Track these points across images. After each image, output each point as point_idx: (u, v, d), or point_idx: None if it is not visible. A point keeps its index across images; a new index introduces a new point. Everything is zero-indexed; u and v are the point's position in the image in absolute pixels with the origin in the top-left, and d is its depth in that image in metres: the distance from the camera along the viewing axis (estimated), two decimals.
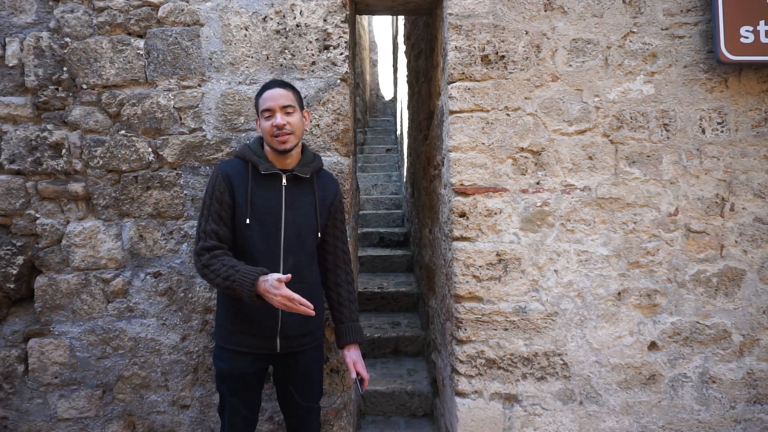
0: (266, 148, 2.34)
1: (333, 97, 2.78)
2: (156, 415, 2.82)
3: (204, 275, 2.19)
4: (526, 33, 2.68)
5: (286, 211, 2.29)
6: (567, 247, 2.69)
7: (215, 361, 2.36)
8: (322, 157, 2.77)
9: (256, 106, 2.34)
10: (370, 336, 4.40)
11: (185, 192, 2.81)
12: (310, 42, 2.79)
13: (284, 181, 2.31)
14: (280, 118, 2.24)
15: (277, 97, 2.26)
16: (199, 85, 2.81)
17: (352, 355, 2.44)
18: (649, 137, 2.68)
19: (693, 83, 2.68)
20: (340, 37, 2.79)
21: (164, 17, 2.81)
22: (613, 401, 2.69)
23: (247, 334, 2.29)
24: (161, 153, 2.81)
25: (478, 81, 2.68)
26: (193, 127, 2.81)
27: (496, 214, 2.68)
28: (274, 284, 2.08)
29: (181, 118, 2.81)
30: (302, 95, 2.77)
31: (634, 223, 2.69)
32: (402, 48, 6.82)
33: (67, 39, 2.81)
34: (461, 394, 2.70)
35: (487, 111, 2.68)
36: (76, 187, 2.82)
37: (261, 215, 2.27)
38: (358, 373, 2.41)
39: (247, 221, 2.25)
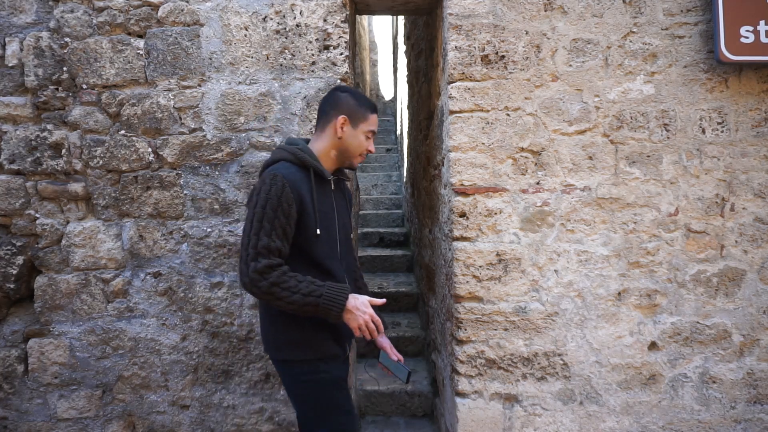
0: (320, 152, 2.17)
1: None
2: (156, 415, 2.83)
3: (271, 293, 1.93)
4: (526, 33, 2.68)
5: (337, 216, 2.19)
6: (567, 247, 2.69)
7: (322, 375, 2.08)
8: None
9: (356, 114, 2.16)
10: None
11: (185, 192, 2.82)
12: (310, 42, 2.79)
13: (332, 185, 2.21)
14: (372, 146, 2.22)
15: (377, 123, 2.23)
16: (199, 85, 2.81)
17: (387, 342, 2.36)
18: (649, 137, 2.68)
19: (693, 83, 2.68)
20: (340, 37, 2.80)
21: (164, 17, 2.81)
22: (614, 401, 2.69)
23: (334, 340, 2.13)
24: (161, 153, 2.82)
25: (478, 81, 2.68)
26: (193, 127, 2.81)
27: (496, 214, 2.68)
28: (366, 303, 2.02)
29: (181, 118, 2.81)
30: (303, 95, 2.78)
31: (635, 223, 2.69)
32: (402, 48, 6.82)
33: (67, 39, 2.81)
34: (461, 394, 2.70)
35: (487, 111, 2.69)
36: (76, 187, 2.82)
37: (326, 224, 2.12)
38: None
39: (318, 232, 2.07)
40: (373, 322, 2.02)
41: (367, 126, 2.18)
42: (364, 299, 2.04)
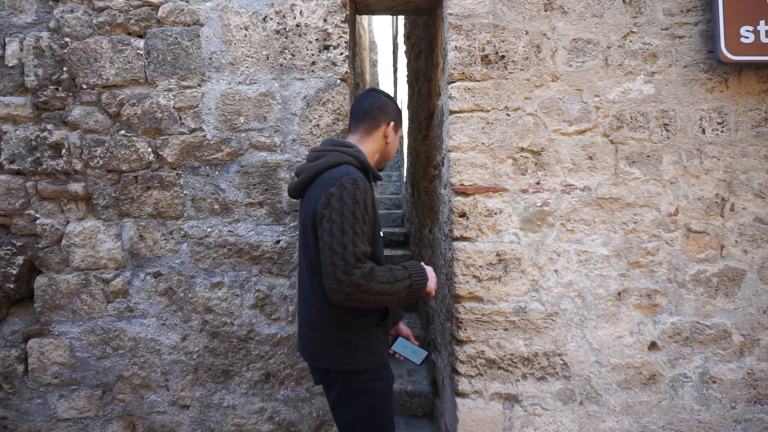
0: (368, 155, 2.22)
1: (333, 97, 2.79)
2: (156, 415, 2.83)
3: (377, 293, 1.90)
4: (526, 33, 2.69)
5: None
6: (567, 247, 2.70)
7: (383, 382, 2.09)
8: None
9: (399, 120, 2.28)
10: None
11: (185, 192, 2.82)
12: (310, 42, 2.80)
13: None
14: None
15: None
16: (199, 85, 2.81)
17: (407, 328, 2.40)
18: (649, 137, 2.68)
19: (693, 83, 2.68)
20: (340, 37, 2.80)
21: (164, 17, 2.81)
22: (613, 401, 2.69)
23: (386, 346, 2.17)
24: (161, 153, 2.82)
25: (478, 81, 2.69)
26: (193, 127, 2.82)
27: (496, 214, 2.69)
28: (428, 266, 2.12)
29: (181, 118, 2.82)
30: (303, 95, 2.79)
31: (635, 223, 2.69)
32: (402, 48, 6.82)
33: (67, 39, 2.82)
34: (461, 394, 2.71)
35: (487, 111, 2.69)
36: (76, 187, 2.83)
37: (380, 225, 2.15)
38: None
39: (381, 233, 2.11)
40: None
41: (401, 132, 2.29)
42: (429, 269, 2.11)
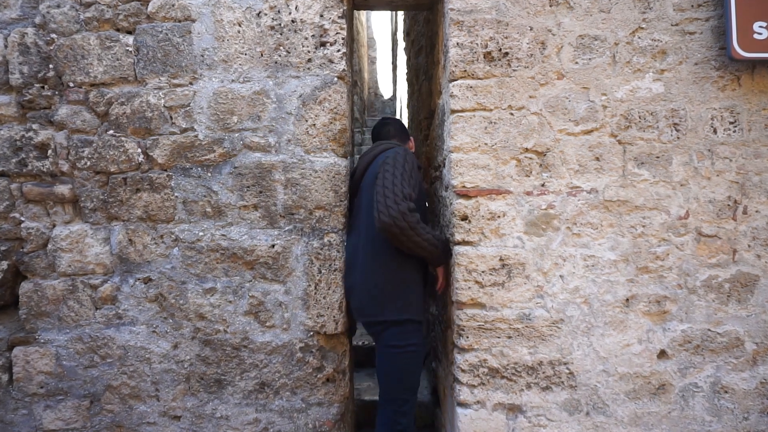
0: None
1: (330, 95, 2.76)
2: (146, 426, 2.80)
3: (413, 229, 2.48)
4: (531, 29, 2.65)
5: None
6: (573, 252, 2.66)
7: (423, 339, 2.77)
8: (318, 158, 2.76)
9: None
10: (368, 344, 4.37)
11: (176, 194, 2.79)
12: (306, 38, 2.76)
13: None
14: None
15: None
16: (191, 83, 2.78)
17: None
18: (658, 137, 2.65)
19: (704, 81, 2.65)
20: (337, 33, 2.77)
21: (154, 12, 2.78)
22: (621, 412, 2.66)
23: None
24: (151, 154, 2.79)
25: (480, 79, 2.65)
26: (184, 126, 2.78)
27: (499, 217, 2.65)
28: None
29: (171, 118, 2.78)
30: (298, 94, 2.76)
31: (643, 226, 2.65)
32: (401, 44, 6.80)
33: (53, 35, 2.78)
34: (463, 405, 2.67)
35: (490, 110, 2.65)
36: (63, 189, 2.79)
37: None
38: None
39: (426, 205, 2.91)
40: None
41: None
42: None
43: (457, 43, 2.66)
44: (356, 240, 2.78)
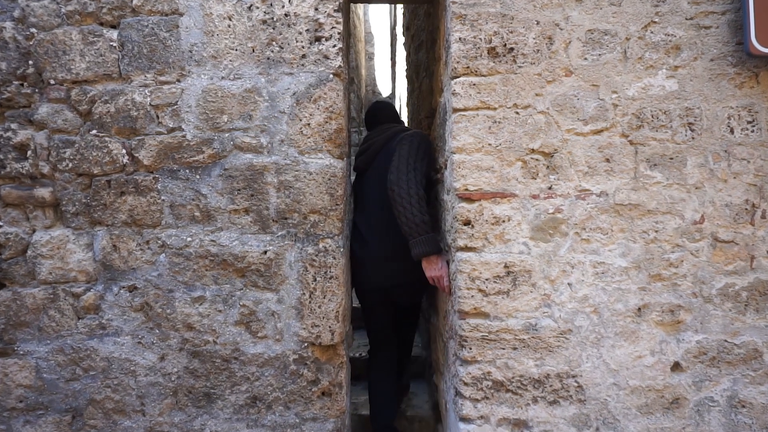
0: None
1: (325, 93, 2.70)
2: None
3: (411, 197, 2.80)
4: (537, 23, 2.59)
5: None
6: (582, 258, 2.60)
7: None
8: (313, 160, 2.71)
9: None
10: (365, 356, 4.30)
11: (163, 198, 2.72)
12: (300, 33, 2.70)
13: None
14: None
15: None
16: (178, 81, 2.72)
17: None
18: (672, 137, 2.59)
19: (720, 78, 2.58)
20: (332, 27, 2.70)
21: (140, 6, 2.71)
22: (633, 427, 2.59)
23: None
24: (136, 155, 2.72)
25: (484, 76, 2.59)
26: (171, 126, 2.72)
27: (504, 221, 2.60)
28: (443, 265, 2.90)
29: (158, 117, 2.72)
30: (292, 92, 2.70)
31: (656, 231, 2.60)
32: (401, 40, 6.76)
33: (33, 30, 2.71)
34: (466, 420, 2.61)
35: (495, 109, 2.60)
36: (43, 192, 2.73)
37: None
38: None
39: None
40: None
41: None
42: (444, 263, 2.87)
43: (460, 38, 2.60)
44: (367, 216, 3.25)
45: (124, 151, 2.73)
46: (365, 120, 3.70)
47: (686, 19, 2.58)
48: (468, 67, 2.60)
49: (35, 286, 2.75)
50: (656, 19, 2.58)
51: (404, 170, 2.83)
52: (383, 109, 3.62)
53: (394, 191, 2.80)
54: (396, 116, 3.63)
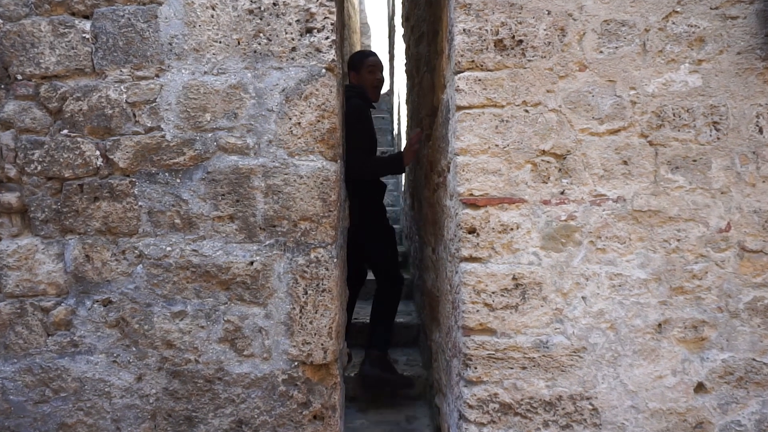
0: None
1: (317, 89, 2.62)
2: None
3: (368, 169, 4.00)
4: (548, 13, 2.53)
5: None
6: (597, 270, 2.55)
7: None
8: (303, 162, 2.65)
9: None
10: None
11: (140, 203, 2.65)
12: (290, 24, 2.63)
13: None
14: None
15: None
16: (157, 76, 2.65)
17: None
18: (695, 138, 2.53)
19: (748, 73, 2.53)
20: (325, 17, 2.63)
21: None
22: None
23: None
24: (111, 157, 2.65)
25: (490, 70, 2.55)
26: (149, 125, 2.65)
27: (512, 229, 2.55)
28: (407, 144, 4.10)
29: (135, 115, 2.65)
30: (281, 88, 2.64)
31: (678, 240, 2.55)
32: (399, 31, 6.76)
33: None
34: None
35: (502, 106, 2.55)
36: (10, 197, 2.66)
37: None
38: None
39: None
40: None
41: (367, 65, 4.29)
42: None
43: (464, 30, 2.55)
44: None
45: (97, 152, 2.66)
46: None
47: (711, 8, 2.53)
48: (473, 61, 2.56)
49: (1, 299, 2.69)
50: (678, 9, 2.53)
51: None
52: None
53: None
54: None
